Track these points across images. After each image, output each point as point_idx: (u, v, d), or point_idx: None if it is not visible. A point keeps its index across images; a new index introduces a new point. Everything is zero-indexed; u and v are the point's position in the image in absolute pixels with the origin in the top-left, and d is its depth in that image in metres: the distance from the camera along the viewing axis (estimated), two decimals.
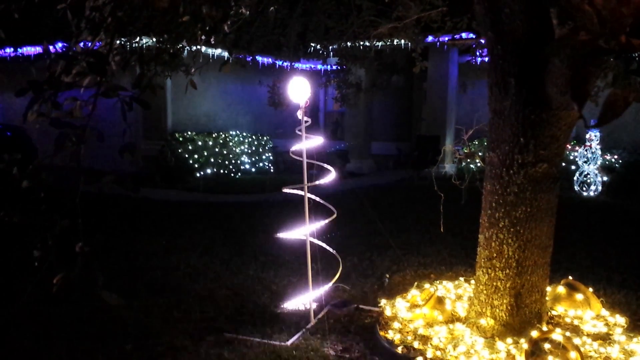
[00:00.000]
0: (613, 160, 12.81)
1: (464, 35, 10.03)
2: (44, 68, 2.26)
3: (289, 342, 4.09)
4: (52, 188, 2.13)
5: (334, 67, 12.82)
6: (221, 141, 14.41)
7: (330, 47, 8.66)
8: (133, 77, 2.49)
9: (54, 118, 1.84)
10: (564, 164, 12.03)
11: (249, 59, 7.50)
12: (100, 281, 1.91)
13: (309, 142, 4.53)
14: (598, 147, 11.51)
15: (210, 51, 12.18)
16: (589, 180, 11.60)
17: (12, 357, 3.88)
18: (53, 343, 4.06)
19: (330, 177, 4.74)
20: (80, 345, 4.02)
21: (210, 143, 14.08)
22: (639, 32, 2.68)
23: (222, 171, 14.31)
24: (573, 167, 12.05)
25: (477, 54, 7.50)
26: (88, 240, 2.00)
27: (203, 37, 3.59)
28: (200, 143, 13.87)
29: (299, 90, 4.32)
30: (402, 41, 11.49)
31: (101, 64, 1.81)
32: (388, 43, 11.72)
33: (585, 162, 11.61)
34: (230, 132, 15.09)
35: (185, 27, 3.57)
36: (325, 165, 4.80)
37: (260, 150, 15.53)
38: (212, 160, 14.10)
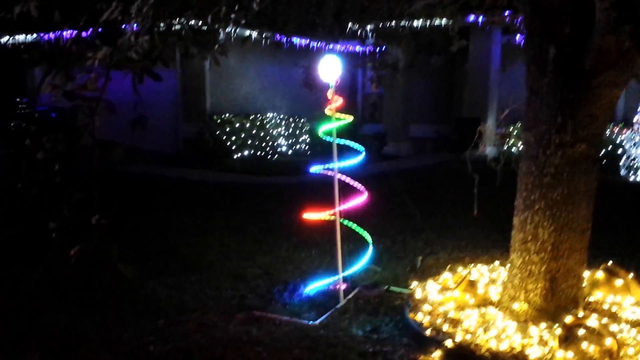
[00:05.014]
0: None
1: (505, 13, 9.71)
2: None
3: (317, 322, 4.10)
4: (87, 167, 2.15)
5: (371, 49, 12.66)
6: (258, 123, 14.47)
7: (368, 28, 8.55)
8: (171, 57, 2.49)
9: (67, 90, 1.87)
10: (609, 147, 11.57)
11: (283, 39, 7.47)
12: (115, 254, 1.94)
13: (340, 122, 4.47)
14: None
15: (247, 32, 12.20)
16: (636, 165, 11.14)
17: (46, 330, 4.00)
18: (86, 317, 4.18)
19: (359, 157, 4.68)
20: (115, 319, 4.13)
21: (248, 125, 14.16)
22: None
23: (258, 153, 14.39)
24: (620, 151, 11.58)
25: (517, 31, 7.24)
26: (129, 218, 2.02)
27: (232, 16, 3.58)
28: (237, 125, 13.97)
29: (329, 68, 4.25)
30: (442, 20, 11.23)
31: (112, 35, 1.82)
32: (428, 23, 11.46)
33: (633, 145, 11.13)
34: (268, 114, 15.12)
35: (219, 7, 3.58)
36: (357, 146, 4.74)
37: (297, 132, 15.53)
38: (249, 142, 14.18)
